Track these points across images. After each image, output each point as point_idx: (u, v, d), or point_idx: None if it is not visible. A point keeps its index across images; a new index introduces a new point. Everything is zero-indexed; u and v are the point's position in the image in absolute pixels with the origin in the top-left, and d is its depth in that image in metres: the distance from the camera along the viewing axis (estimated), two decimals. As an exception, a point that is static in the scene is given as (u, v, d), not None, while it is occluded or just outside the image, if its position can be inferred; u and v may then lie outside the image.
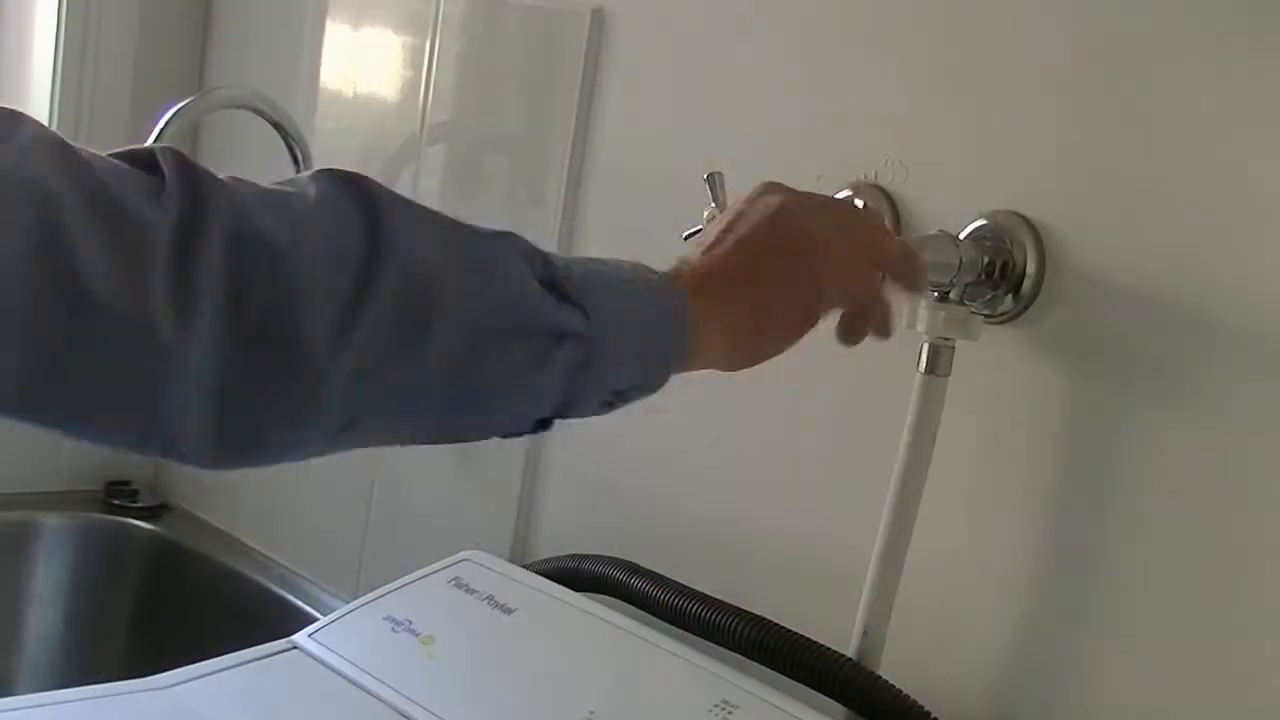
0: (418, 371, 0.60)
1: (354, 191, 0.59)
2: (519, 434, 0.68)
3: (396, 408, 0.61)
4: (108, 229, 0.50)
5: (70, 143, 0.52)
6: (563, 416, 0.67)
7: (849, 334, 0.77)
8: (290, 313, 0.55)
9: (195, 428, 0.55)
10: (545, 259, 0.66)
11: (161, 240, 0.52)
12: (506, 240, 0.65)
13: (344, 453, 0.63)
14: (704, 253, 0.72)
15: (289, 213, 0.57)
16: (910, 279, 0.79)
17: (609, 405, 0.69)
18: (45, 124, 0.52)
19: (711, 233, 0.74)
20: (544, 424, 0.68)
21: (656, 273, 0.70)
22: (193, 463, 0.57)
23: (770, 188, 0.75)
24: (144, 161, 0.54)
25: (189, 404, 0.54)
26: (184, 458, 0.57)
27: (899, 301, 0.79)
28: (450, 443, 0.67)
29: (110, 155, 0.54)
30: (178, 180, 0.53)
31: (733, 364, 0.73)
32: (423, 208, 0.63)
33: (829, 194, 0.95)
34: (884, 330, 0.77)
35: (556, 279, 0.65)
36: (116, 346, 0.51)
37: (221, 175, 0.56)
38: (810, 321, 0.74)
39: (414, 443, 0.66)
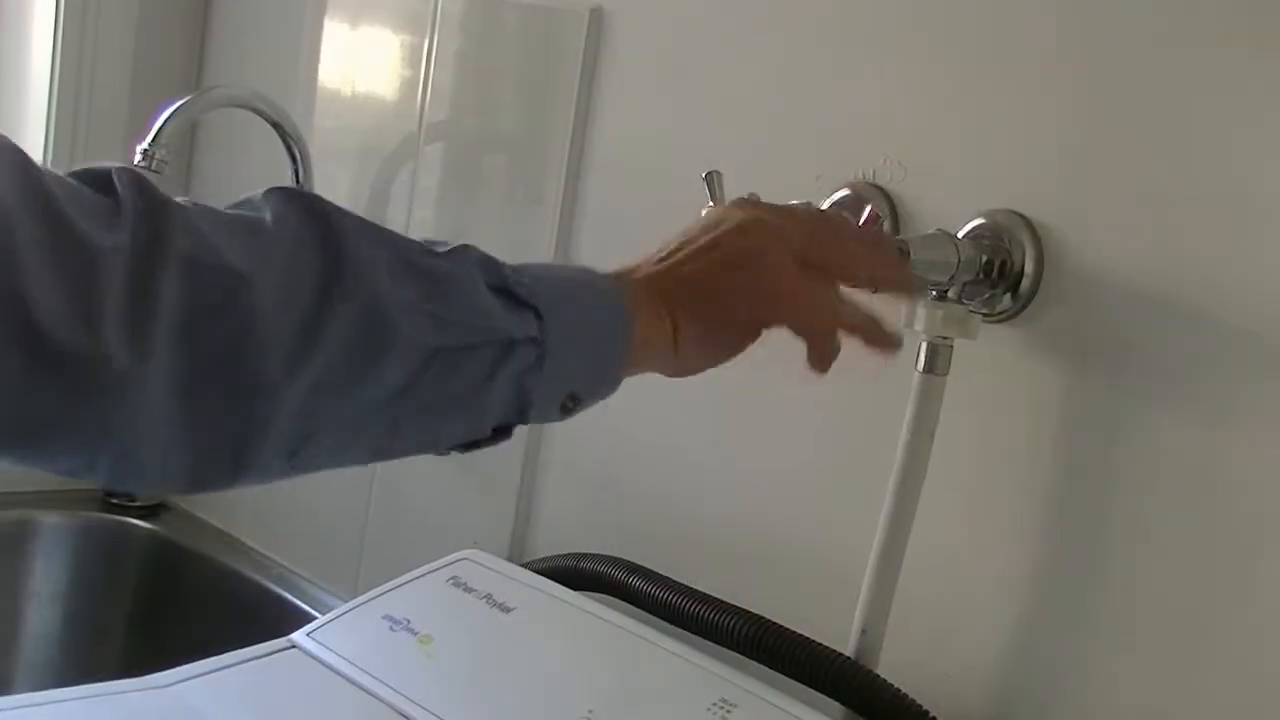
0: (373, 393, 0.60)
1: (309, 215, 0.59)
2: (479, 442, 0.68)
3: (353, 425, 0.62)
4: (61, 257, 0.49)
5: (29, 160, 0.51)
6: (521, 421, 0.68)
7: (810, 363, 0.76)
8: (246, 341, 0.55)
9: (156, 456, 0.55)
10: (497, 266, 0.66)
11: (116, 268, 0.51)
12: (460, 254, 0.65)
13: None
14: (659, 259, 0.73)
15: (246, 239, 0.57)
16: (896, 285, 0.79)
17: (568, 410, 0.69)
18: (7, 137, 0.51)
19: (669, 245, 0.74)
20: (504, 430, 0.68)
21: (604, 274, 0.71)
22: (157, 490, 0.57)
23: (735, 205, 0.76)
24: (101, 183, 0.53)
25: (148, 433, 0.54)
26: (149, 486, 0.57)
27: (897, 306, 0.79)
28: (408, 456, 0.67)
29: (70, 174, 0.53)
30: (134, 205, 0.53)
31: (674, 369, 0.74)
32: (376, 227, 0.63)
33: (828, 193, 0.95)
34: (822, 362, 0.75)
35: (508, 284, 0.65)
36: (72, 380, 0.50)
37: (179, 199, 0.56)
38: (753, 336, 0.74)
39: (371, 461, 0.66)
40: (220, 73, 1.58)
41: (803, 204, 0.80)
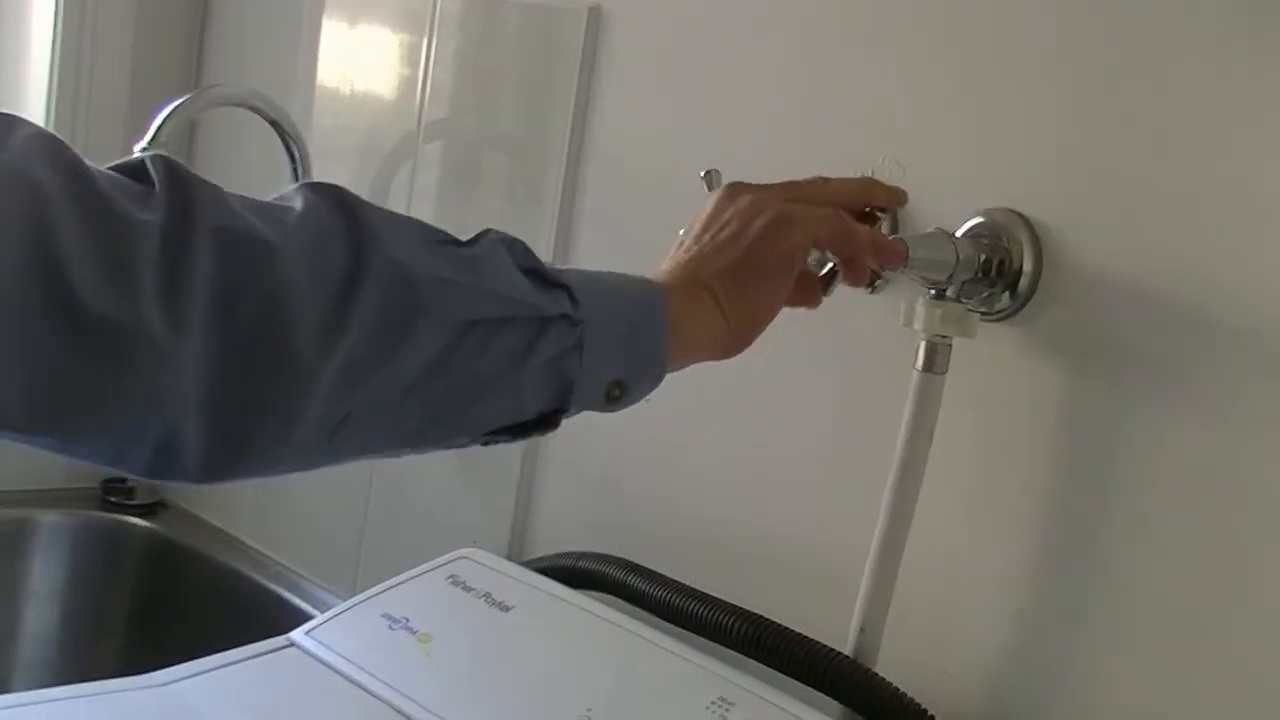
0: (405, 369, 0.60)
1: (337, 201, 0.60)
2: (524, 430, 0.68)
3: (390, 404, 0.61)
4: (98, 231, 0.50)
5: (65, 144, 0.52)
6: (565, 407, 0.67)
7: (852, 280, 0.80)
8: (280, 311, 0.55)
9: (193, 431, 0.55)
10: (525, 248, 0.66)
11: (150, 239, 0.52)
12: (486, 235, 0.66)
13: (347, 464, 0.63)
14: (675, 257, 0.75)
15: (275, 217, 0.57)
16: (887, 199, 0.84)
17: (614, 399, 0.69)
18: (42, 125, 0.52)
19: (683, 243, 0.77)
20: (549, 420, 0.68)
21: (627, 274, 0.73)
22: (192, 473, 0.57)
23: (731, 189, 0.78)
24: (134, 171, 0.54)
25: (187, 405, 0.54)
26: (184, 469, 0.56)
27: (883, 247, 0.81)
28: (456, 441, 0.66)
29: (107, 168, 0.54)
30: (166, 184, 0.54)
31: (727, 340, 0.75)
32: (402, 215, 0.64)
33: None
34: (860, 275, 0.80)
35: (537, 265, 0.66)
36: (112, 351, 0.51)
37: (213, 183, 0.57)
38: (789, 270, 0.76)
39: (415, 445, 0.66)
40: (219, 71, 1.58)
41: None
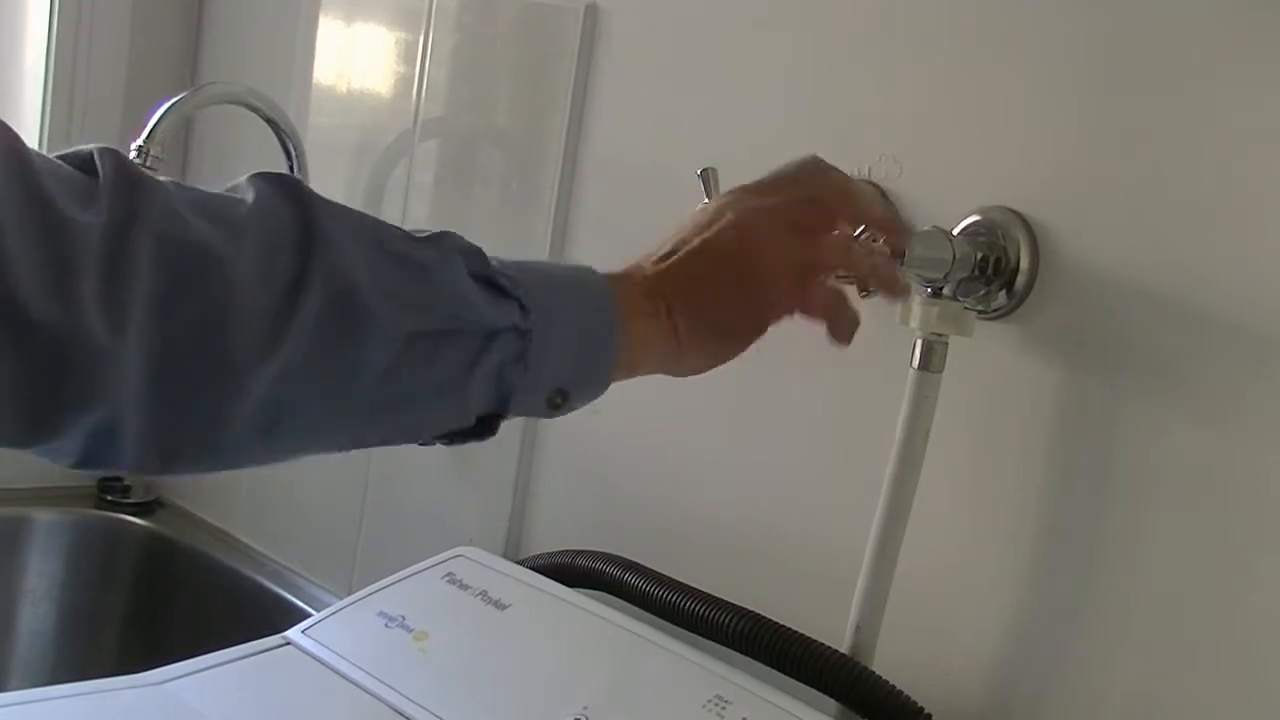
0: (349, 376, 0.60)
1: (288, 198, 0.59)
2: (462, 435, 0.68)
3: (328, 411, 0.61)
4: (39, 236, 0.50)
5: (18, 140, 0.51)
6: (502, 413, 0.67)
7: (833, 338, 0.77)
8: (218, 319, 0.55)
9: (132, 434, 0.55)
10: (480, 255, 0.66)
11: (92, 243, 0.51)
12: (442, 240, 0.65)
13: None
14: (655, 260, 0.73)
15: (223, 218, 0.57)
16: (894, 238, 0.79)
17: (556, 407, 0.69)
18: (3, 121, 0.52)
19: (666, 242, 0.74)
20: (487, 425, 0.68)
21: (598, 272, 0.71)
22: (134, 468, 0.57)
23: (726, 200, 0.75)
24: (82, 163, 0.54)
25: (125, 410, 0.54)
26: (128, 465, 0.57)
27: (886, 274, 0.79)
28: (390, 444, 0.67)
29: (57, 156, 0.54)
30: (111, 183, 0.53)
31: (677, 368, 0.74)
32: (357, 213, 0.63)
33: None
34: (843, 336, 0.77)
35: (491, 274, 0.65)
36: (52, 355, 0.51)
37: (162, 179, 0.56)
38: (757, 331, 0.75)
39: (349, 447, 0.66)
40: (215, 69, 1.58)
41: (784, 166, 0.79)
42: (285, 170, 1.33)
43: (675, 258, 0.73)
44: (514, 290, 0.65)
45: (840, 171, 0.80)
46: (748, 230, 0.73)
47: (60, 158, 0.54)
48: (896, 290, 0.80)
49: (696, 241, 0.73)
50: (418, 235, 0.65)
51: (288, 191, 0.60)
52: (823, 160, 0.79)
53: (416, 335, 0.62)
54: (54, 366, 0.51)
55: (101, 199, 0.53)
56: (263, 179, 0.60)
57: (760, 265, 0.73)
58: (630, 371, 0.72)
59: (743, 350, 0.75)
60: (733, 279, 0.73)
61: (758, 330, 0.74)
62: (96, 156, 0.54)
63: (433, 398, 0.64)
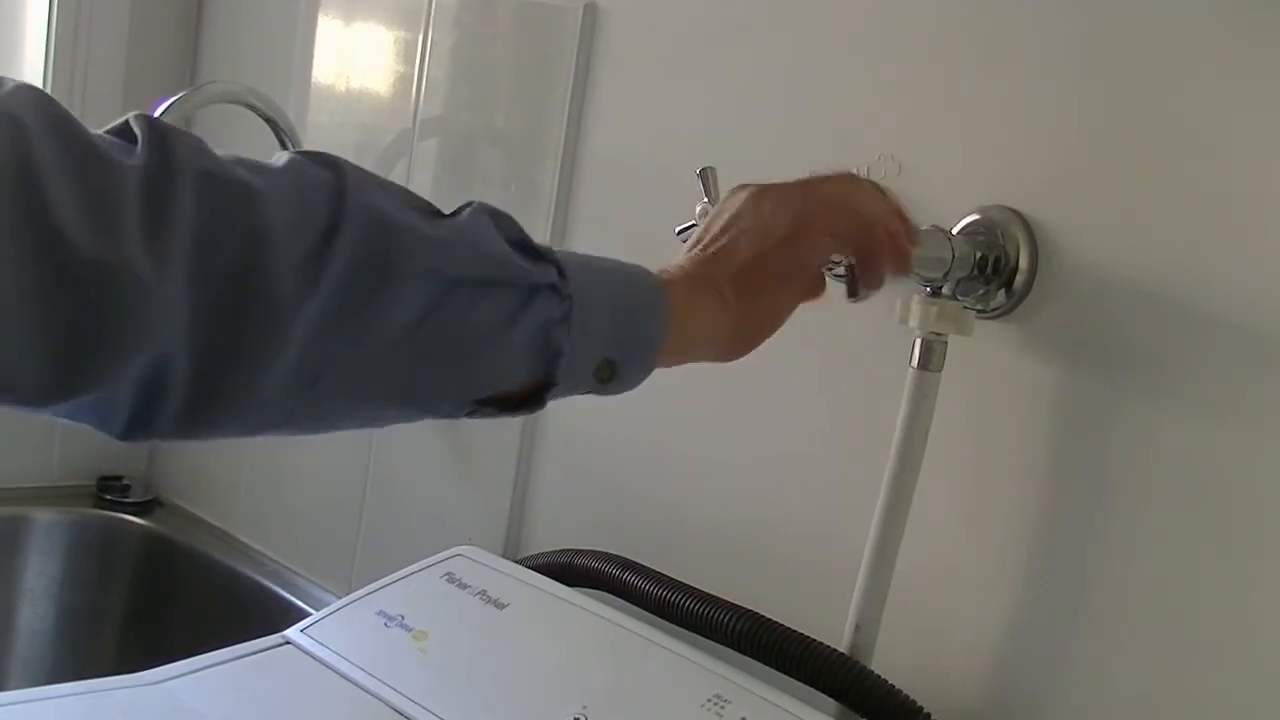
0: (387, 321, 0.60)
1: (318, 156, 0.61)
2: (511, 405, 0.66)
3: (372, 358, 0.61)
4: (81, 172, 0.51)
5: (50, 97, 0.52)
6: (553, 378, 0.66)
7: (863, 283, 0.78)
8: (261, 252, 0.56)
9: (179, 369, 0.55)
10: (513, 221, 0.66)
11: (133, 180, 0.52)
12: (472, 205, 0.66)
13: (329, 433, 0.63)
14: (690, 253, 0.74)
15: (259, 166, 0.58)
16: (899, 245, 0.79)
17: (604, 381, 0.68)
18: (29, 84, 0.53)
19: (702, 234, 0.75)
20: (536, 398, 0.67)
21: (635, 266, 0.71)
22: (172, 421, 0.56)
23: (746, 190, 0.76)
24: (118, 131, 0.56)
25: (176, 340, 0.54)
26: (167, 415, 0.56)
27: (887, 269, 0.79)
28: (442, 406, 0.65)
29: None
30: (149, 135, 0.55)
31: (729, 342, 0.74)
32: (382, 179, 0.64)
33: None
34: (874, 279, 0.78)
35: (525, 238, 0.66)
36: (97, 290, 0.51)
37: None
38: (802, 280, 0.76)
39: (401, 406, 0.64)
40: (214, 68, 1.58)
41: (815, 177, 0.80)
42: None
43: (709, 245, 0.74)
44: (549, 255, 0.66)
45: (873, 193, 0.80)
46: (774, 204, 0.74)
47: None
48: (906, 266, 0.80)
49: (730, 221, 0.75)
50: (446, 209, 0.65)
51: (318, 153, 0.62)
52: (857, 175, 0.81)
53: (455, 283, 0.62)
54: (102, 305, 0.51)
55: (141, 148, 0.54)
56: (293, 151, 0.62)
57: (790, 214, 0.74)
58: (682, 351, 0.72)
59: (794, 299, 0.76)
60: (767, 237, 0.74)
61: (803, 270, 0.76)
62: (131, 121, 0.56)
63: (476, 348, 0.63)
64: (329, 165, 0.61)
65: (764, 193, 0.76)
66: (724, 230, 0.75)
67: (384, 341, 0.60)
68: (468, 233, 0.64)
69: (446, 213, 0.65)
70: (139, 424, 0.56)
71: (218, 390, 0.57)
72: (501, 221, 0.66)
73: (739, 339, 0.75)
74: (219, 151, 0.57)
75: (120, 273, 0.51)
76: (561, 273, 0.65)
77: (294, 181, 0.58)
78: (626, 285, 0.69)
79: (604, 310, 0.67)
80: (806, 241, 0.75)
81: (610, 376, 0.68)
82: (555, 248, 0.68)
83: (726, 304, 0.73)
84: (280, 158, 0.60)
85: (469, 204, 0.66)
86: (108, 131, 0.55)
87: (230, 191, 0.55)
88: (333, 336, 0.58)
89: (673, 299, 0.70)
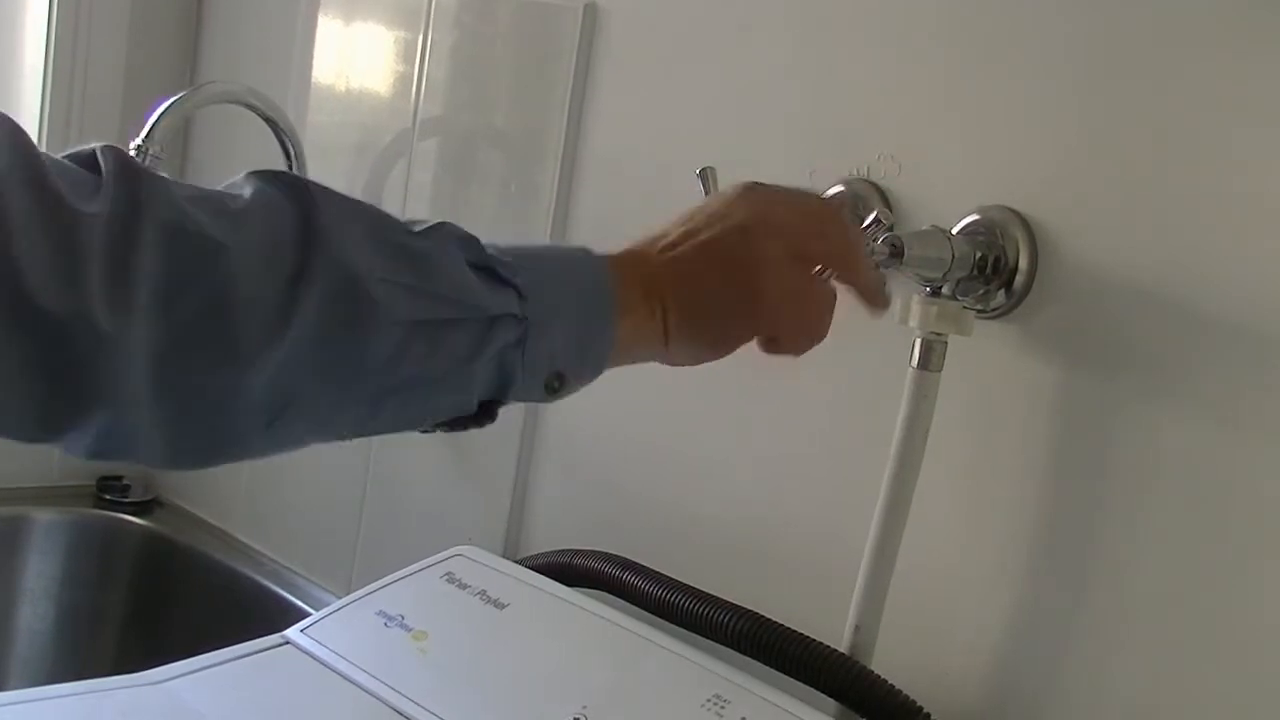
0: (352, 366, 0.61)
1: (287, 188, 0.60)
2: (463, 422, 0.68)
3: (331, 402, 0.62)
4: (47, 223, 0.51)
5: (23, 133, 0.52)
6: (501, 399, 0.68)
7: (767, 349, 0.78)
8: (222, 308, 0.56)
9: (142, 420, 0.56)
10: (477, 244, 0.66)
11: (97, 232, 0.52)
12: (439, 230, 0.66)
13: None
14: (661, 248, 0.73)
15: (224, 210, 0.58)
16: (871, 299, 0.80)
17: (553, 391, 0.69)
18: (9, 116, 0.53)
19: (672, 231, 0.74)
20: (487, 411, 0.68)
21: (598, 255, 0.71)
22: (144, 461, 0.58)
23: (742, 197, 0.75)
24: (86, 161, 0.55)
25: (132, 400, 0.55)
26: (135, 456, 0.57)
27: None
28: (392, 432, 0.67)
29: (61, 156, 0.55)
30: (114, 177, 0.54)
31: (662, 360, 0.75)
32: (355, 202, 0.63)
33: (821, 190, 0.95)
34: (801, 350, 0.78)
35: (489, 262, 0.66)
36: (59, 343, 0.51)
37: (162, 174, 0.57)
38: (741, 342, 0.75)
39: (354, 436, 0.66)
40: (214, 68, 1.58)
41: (807, 192, 0.80)
42: (285, 169, 1.33)
43: (680, 250, 0.73)
44: (512, 278, 0.66)
45: (858, 229, 0.81)
46: (756, 242, 0.73)
47: (65, 157, 0.55)
48: (880, 308, 0.80)
49: (704, 236, 0.73)
50: (415, 227, 0.65)
51: (286, 186, 0.60)
52: (845, 208, 0.80)
53: (419, 324, 0.62)
54: (63, 357, 0.52)
55: (105, 192, 0.53)
56: (260, 175, 0.61)
57: (760, 282, 0.73)
58: (622, 361, 0.72)
59: (725, 355, 0.76)
60: (731, 289, 0.73)
61: (741, 343, 0.75)
62: (99, 154, 0.55)
63: (436, 385, 0.64)
64: (297, 198, 0.60)
65: (746, 188, 0.76)
66: (687, 233, 0.74)
67: (347, 383, 0.61)
68: (433, 266, 0.64)
69: (417, 229, 0.65)
70: (101, 458, 0.58)
71: (181, 434, 0.58)
72: (468, 246, 0.66)
73: (669, 360, 0.75)
74: (181, 192, 0.57)
75: (82, 325, 0.51)
76: (521, 295, 0.66)
77: (259, 231, 0.58)
78: (581, 300, 0.69)
79: (559, 330, 0.68)
80: (760, 232, 0.73)
81: (559, 387, 0.69)
82: (520, 246, 0.68)
83: (665, 325, 0.72)
84: (246, 189, 0.59)
85: (440, 225, 0.66)
86: (73, 157, 0.55)
87: (194, 245, 0.55)
88: (295, 381, 0.59)
89: (619, 316, 0.70)
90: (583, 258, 0.71)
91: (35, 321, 0.50)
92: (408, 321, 0.62)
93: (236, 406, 0.58)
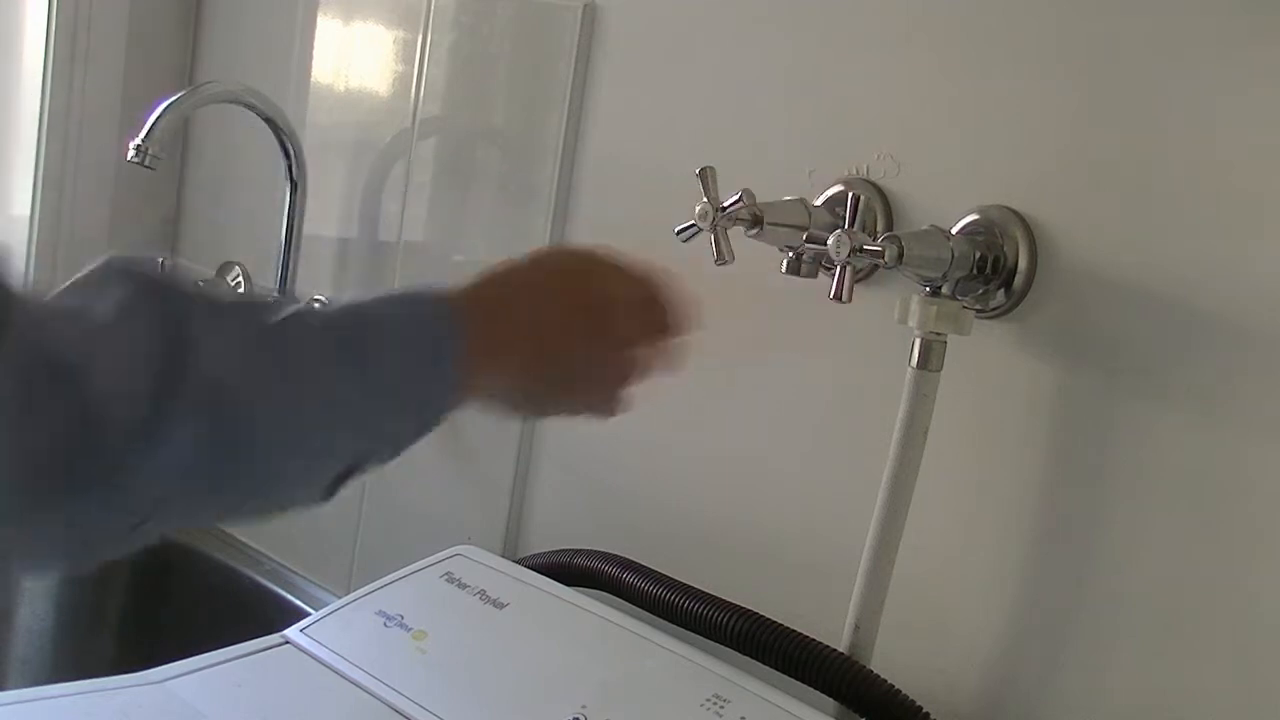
0: (216, 478, 0.61)
1: (152, 298, 0.58)
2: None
3: (197, 506, 0.63)
4: None
5: None
6: (354, 475, 0.71)
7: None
8: (80, 433, 0.55)
9: (17, 545, 0.57)
10: (335, 325, 0.65)
11: None
12: (299, 320, 0.63)
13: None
14: (499, 303, 0.71)
15: (86, 328, 0.56)
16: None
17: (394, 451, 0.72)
18: None
19: (505, 276, 0.71)
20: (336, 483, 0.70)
21: (435, 301, 0.68)
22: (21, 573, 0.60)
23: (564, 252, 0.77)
24: None
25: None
26: (23, 568, 0.59)
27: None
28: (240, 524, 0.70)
29: None
30: None
31: (509, 406, 0.75)
32: (223, 305, 0.62)
33: (821, 189, 0.95)
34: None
35: (348, 340, 0.65)
36: None
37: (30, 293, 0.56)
38: (597, 393, 0.74)
39: (206, 525, 0.68)
40: (213, 68, 1.58)
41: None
42: (284, 170, 1.33)
43: (533, 319, 0.71)
44: (372, 362, 0.66)
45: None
46: (596, 281, 0.72)
47: None
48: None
49: (567, 305, 0.71)
50: (282, 320, 0.62)
51: (151, 292, 0.58)
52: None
53: (286, 438, 0.64)
54: None
55: None
56: (124, 278, 0.58)
57: (606, 322, 0.72)
58: (463, 393, 0.72)
59: (571, 409, 0.76)
60: (569, 371, 0.72)
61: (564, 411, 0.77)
62: None
63: (292, 481, 0.68)
64: (161, 306, 0.58)
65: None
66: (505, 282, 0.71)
67: (215, 489, 0.62)
68: (305, 373, 0.63)
69: (283, 315, 0.62)
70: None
71: (60, 550, 0.61)
72: (327, 336, 0.64)
73: (514, 405, 0.75)
74: (47, 300, 0.56)
75: None
76: (374, 378, 0.66)
77: (122, 342, 0.56)
78: (423, 355, 0.68)
79: (402, 408, 0.70)
80: (599, 273, 0.72)
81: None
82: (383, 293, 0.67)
83: (514, 396, 0.73)
84: (110, 295, 0.57)
85: (301, 312, 0.63)
86: None
87: (50, 372, 0.54)
88: (160, 495, 0.59)
89: (463, 389, 0.70)
90: (423, 307, 0.69)
91: None
92: (273, 439, 0.62)
93: (105, 520, 0.59)
